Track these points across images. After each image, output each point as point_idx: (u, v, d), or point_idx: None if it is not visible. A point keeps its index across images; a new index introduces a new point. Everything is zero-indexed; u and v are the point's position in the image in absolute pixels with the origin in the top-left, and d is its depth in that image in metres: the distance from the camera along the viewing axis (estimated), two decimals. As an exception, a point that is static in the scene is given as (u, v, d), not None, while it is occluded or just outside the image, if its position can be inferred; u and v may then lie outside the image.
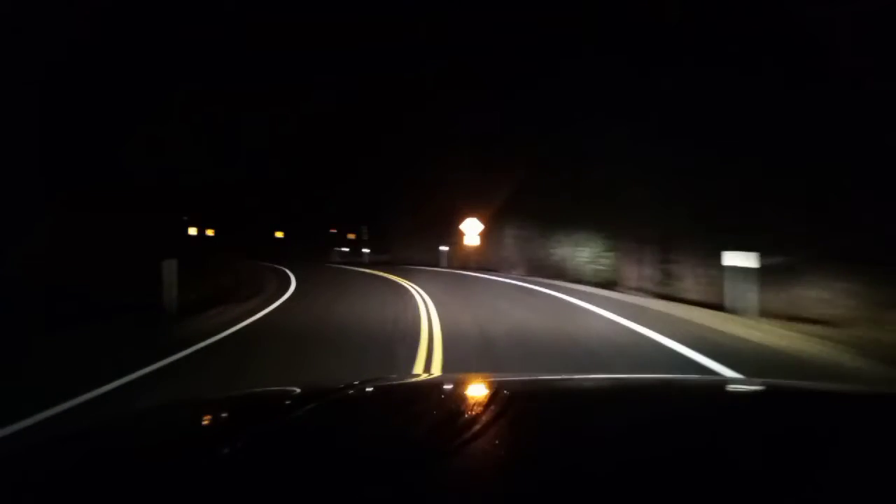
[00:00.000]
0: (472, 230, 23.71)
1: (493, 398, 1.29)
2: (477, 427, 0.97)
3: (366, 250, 35.31)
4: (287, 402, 1.30)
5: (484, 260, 23.03)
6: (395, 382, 1.80)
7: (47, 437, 1.08)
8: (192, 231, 36.91)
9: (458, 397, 1.41)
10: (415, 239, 30.87)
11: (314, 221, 49.64)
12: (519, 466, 0.86)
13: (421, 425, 1.11)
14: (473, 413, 1.12)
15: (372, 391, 1.43)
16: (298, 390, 1.36)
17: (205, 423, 1.24)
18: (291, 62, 25.25)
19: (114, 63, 15.23)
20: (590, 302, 10.85)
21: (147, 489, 0.77)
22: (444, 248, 24.92)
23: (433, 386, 1.70)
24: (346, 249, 41.02)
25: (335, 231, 46.97)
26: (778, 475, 0.79)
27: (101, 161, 16.09)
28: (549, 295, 12.55)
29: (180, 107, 20.07)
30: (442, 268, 23.86)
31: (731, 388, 1.78)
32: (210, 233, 47.79)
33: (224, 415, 1.32)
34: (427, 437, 1.01)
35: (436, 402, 1.35)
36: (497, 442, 0.94)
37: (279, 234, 53.77)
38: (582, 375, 2.65)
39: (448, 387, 1.57)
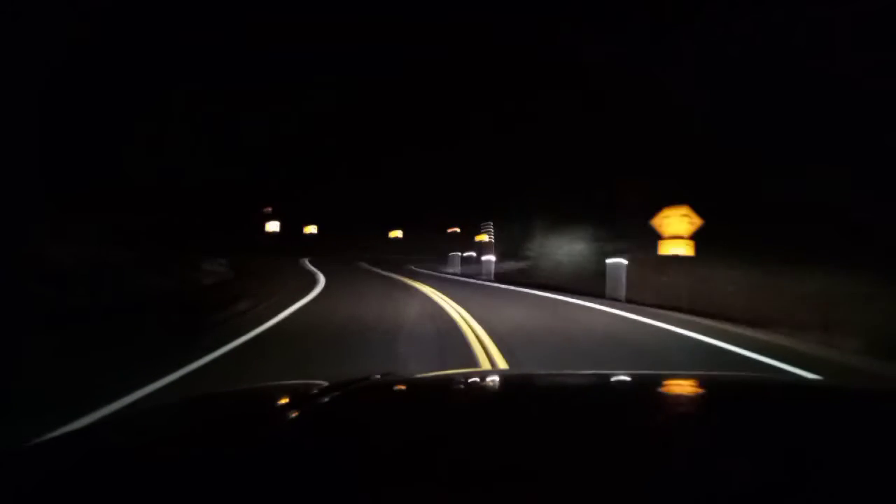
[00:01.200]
0: (674, 228, 12.46)
1: (506, 392, 1.34)
2: (488, 421, 1.02)
3: (488, 257, 24.94)
4: (305, 394, 1.25)
5: (725, 292, 11.46)
6: (418, 376, 1.85)
7: (50, 435, 1.09)
8: (273, 227, 29.42)
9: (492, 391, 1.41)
10: (572, 239, 20.82)
11: (437, 219, 40.79)
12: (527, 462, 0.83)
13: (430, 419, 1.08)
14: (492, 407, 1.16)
15: (393, 382, 1.48)
16: (323, 383, 1.32)
17: (217, 417, 1.14)
18: (291, 62, 24.47)
19: (114, 63, 15.30)
20: None
21: (150, 489, 0.74)
22: (619, 262, 13.63)
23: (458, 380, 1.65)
24: (472, 254, 31.48)
25: (458, 230, 37.45)
26: (779, 477, 0.77)
27: (117, 158, 16.60)
28: None
29: (183, 106, 19.69)
30: (613, 302, 12.65)
31: (747, 383, 1.71)
32: (310, 230, 40.71)
33: (234, 411, 1.20)
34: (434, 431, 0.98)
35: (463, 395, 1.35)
36: (506, 435, 0.94)
37: (395, 234, 45.62)
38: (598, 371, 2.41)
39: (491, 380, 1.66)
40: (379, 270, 24.24)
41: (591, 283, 15.49)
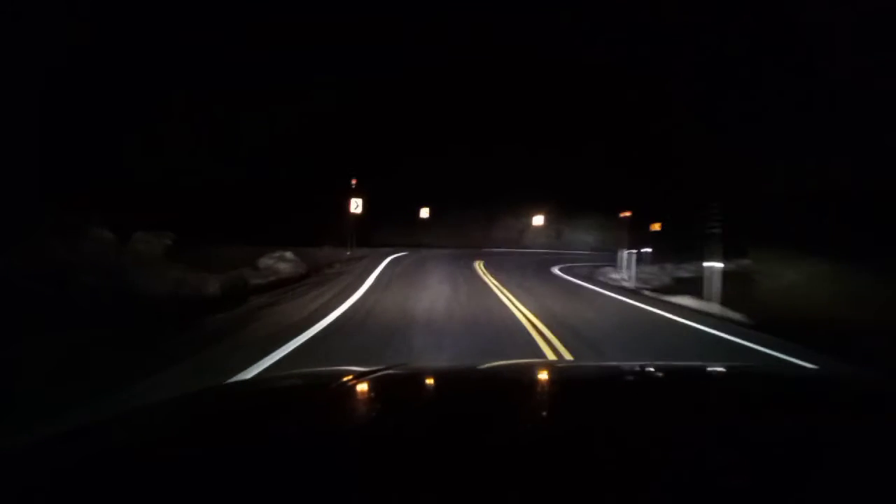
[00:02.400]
0: None
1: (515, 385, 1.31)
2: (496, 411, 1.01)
3: (713, 265, 13.09)
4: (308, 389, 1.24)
5: None
6: (432, 367, 1.81)
7: (58, 432, 0.99)
8: (356, 207, 20.57)
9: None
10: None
11: (601, 201, 29.60)
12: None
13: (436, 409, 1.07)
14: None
15: (413, 372, 1.51)
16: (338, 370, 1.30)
17: (221, 413, 1.10)
18: (291, 62, 23.33)
19: (115, 64, 15.45)
20: None
21: (151, 488, 0.72)
22: None
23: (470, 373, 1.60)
24: (650, 250, 21.01)
25: (629, 214, 25.71)
26: (777, 474, 0.75)
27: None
28: None
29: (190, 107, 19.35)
30: None
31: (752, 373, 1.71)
32: (422, 213, 31.37)
33: (241, 407, 1.15)
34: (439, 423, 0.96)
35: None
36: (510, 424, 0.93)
37: (537, 220, 35.02)
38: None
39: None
40: (497, 284, 13.59)
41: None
